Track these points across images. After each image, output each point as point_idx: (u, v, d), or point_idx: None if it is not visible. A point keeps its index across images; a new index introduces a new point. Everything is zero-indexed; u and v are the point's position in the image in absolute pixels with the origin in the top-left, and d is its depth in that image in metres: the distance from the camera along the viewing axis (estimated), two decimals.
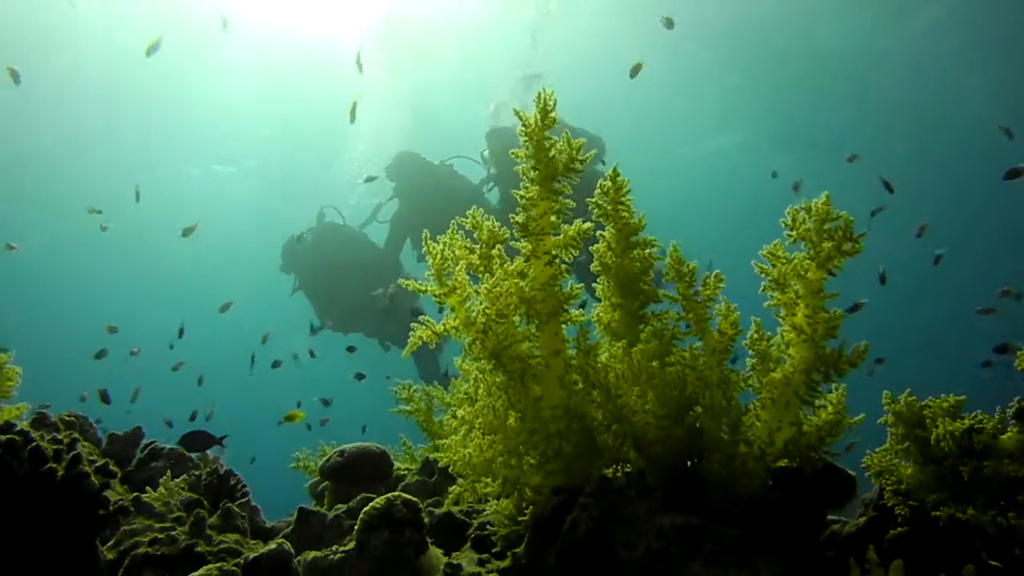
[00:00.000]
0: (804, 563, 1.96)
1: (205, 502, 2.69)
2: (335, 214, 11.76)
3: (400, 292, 10.84)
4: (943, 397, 2.18)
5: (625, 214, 2.36)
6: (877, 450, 2.22)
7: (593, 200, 2.36)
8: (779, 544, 1.95)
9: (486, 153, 10.32)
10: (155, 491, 2.65)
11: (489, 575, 1.96)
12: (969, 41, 19.76)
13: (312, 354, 10.83)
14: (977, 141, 20.45)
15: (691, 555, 1.87)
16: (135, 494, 2.57)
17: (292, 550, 2.24)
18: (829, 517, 2.26)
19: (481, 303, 2.25)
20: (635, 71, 8.57)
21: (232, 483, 2.84)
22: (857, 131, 22.99)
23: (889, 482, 2.16)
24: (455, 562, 1.97)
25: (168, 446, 3.21)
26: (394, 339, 11.50)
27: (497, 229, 2.38)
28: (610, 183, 2.33)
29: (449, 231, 2.34)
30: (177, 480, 2.77)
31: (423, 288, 2.28)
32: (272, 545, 2.21)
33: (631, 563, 1.91)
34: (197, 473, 2.91)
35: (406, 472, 3.53)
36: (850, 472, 2.16)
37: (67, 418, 2.91)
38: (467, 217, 2.36)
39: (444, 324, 2.28)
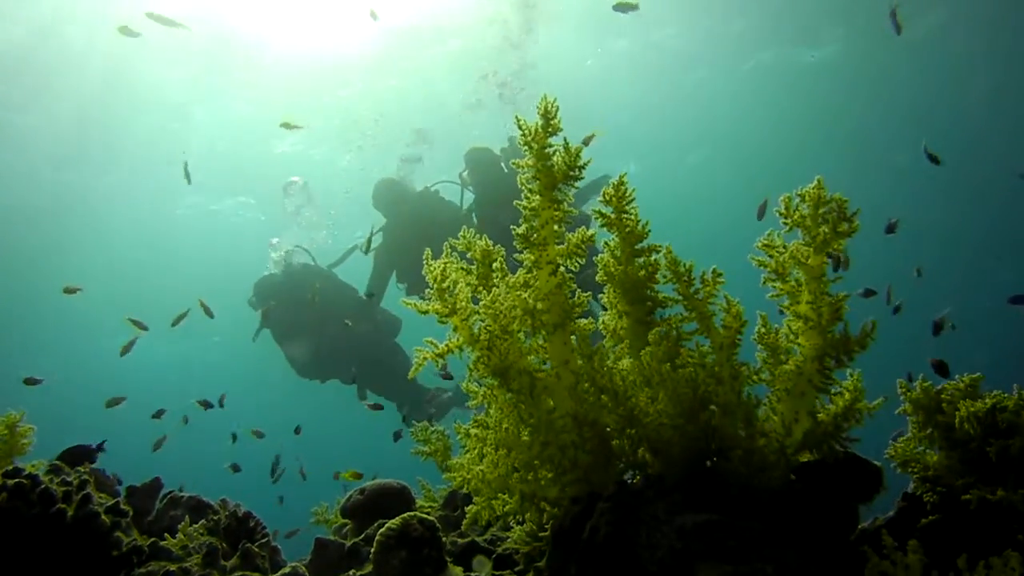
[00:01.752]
0: (830, 555, 1.90)
1: (224, 544, 2.66)
2: (304, 254, 11.12)
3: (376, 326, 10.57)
4: (959, 378, 2.14)
5: (630, 222, 2.34)
6: (899, 440, 2.17)
7: (596, 209, 2.35)
8: (804, 537, 1.91)
9: (465, 174, 9.68)
10: (174, 538, 2.63)
11: None
12: (974, 45, 19.83)
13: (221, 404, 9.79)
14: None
15: (714, 552, 1.82)
16: (152, 539, 2.54)
17: (307, 573, 2.20)
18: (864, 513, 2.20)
19: (483, 320, 2.22)
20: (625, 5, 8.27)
21: (251, 525, 2.81)
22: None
23: (915, 470, 2.11)
24: (474, 574, 1.93)
25: (187, 494, 3.18)
26: (372, 381, 10.84)
27: (491, 247, 2.37)
28: (613, 191, 2.31)
29: (444, 253, 2.33)
30: (196, 526, 2.74)
31: (425, 308, 2.26)
32: (286, 570, 2.18)
33: (653, 564, 1.86)
34: (216, 518, 2.88)
35: (430, 509, 3.49)
36: (876, 463, 2.10)
37: (83, 471, 2.89)
38: (458, 239, 2.36)
39: (448, 344, 2.25)
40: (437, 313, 2.25)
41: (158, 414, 7.17)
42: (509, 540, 2.52)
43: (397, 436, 7.46)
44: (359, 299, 10.47)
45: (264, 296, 10.46)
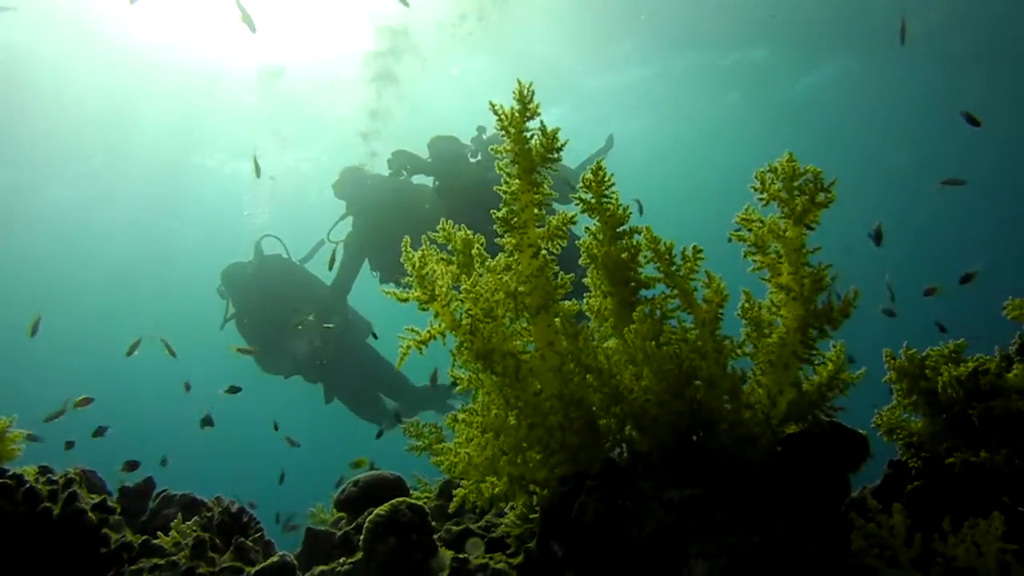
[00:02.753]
0: (819, 524, 1.91)
1: (217, 540, 2.65)
2: (275, 245, 10.52)
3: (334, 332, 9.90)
4: (943, 344, 2.15)
5: (610, 206, 2.33)
6: (885, 408, 2.18)
7: (576, 195, 2.35)
8: (792, 508, 1.91)
9: (429, 160, 9.11)
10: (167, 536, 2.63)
11: (497, 564, 1.91)
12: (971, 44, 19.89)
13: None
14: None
15: (703, 526, 1.83)
16: (145, 537, 2.54)
17: (295, 561, 2.20)
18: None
19: (464, 304, 2.22)
20: None
21: (245, 520, 2.81)
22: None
23: (900, 437, 2.12)
24: (462, 556, 1.93)
25: (179, 493, 3.18)
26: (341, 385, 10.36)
27: (471, 236, 2.37)
28: (592, 176, 2.31)
29: (423, 245, 2.32)
30: (189, 523, 2.74)
31: (405, 296, 2.25)
32: (275, 559, 2.18)
33: (641, 540, 1.87)
34: (209, 514, 2.87)
35: (425, 499, 3.48)
36: (861, 432, 2.11)
37: (72, 473, 2.88)
38: (437, 232, 2.36)
39: (430, 330, 2.25)
40: (418, 300, 2.24)
41: (206, 421, 7.04)
42: (502, 525, 2.52)
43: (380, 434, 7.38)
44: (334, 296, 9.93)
45: (233, 286, 10.05)
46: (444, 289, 2.25)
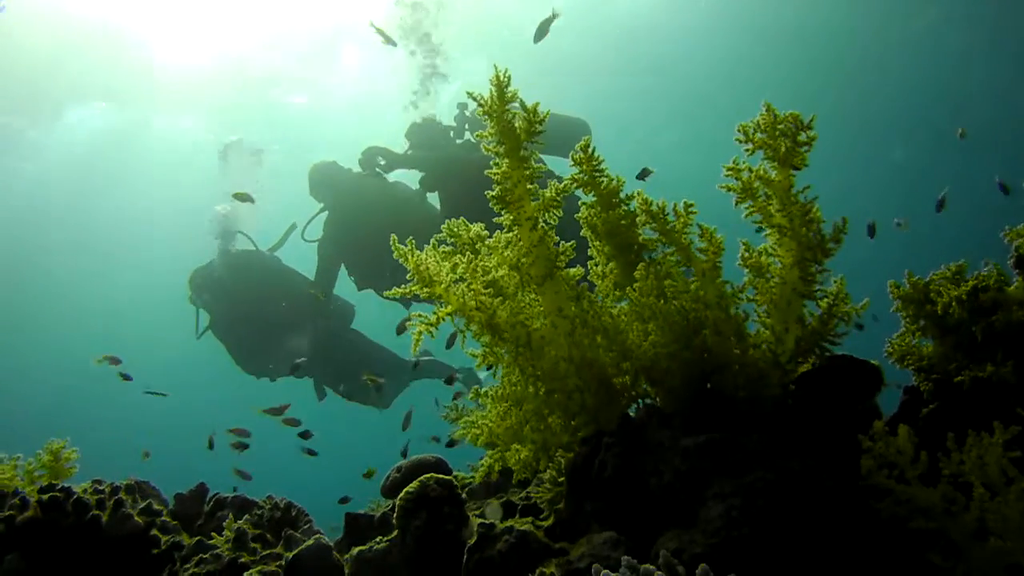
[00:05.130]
0: (836, 455, 1.94)
1: (268, 535, 2.75)
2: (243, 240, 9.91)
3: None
4: (944, 267, 2.16)
5: (603, 179, 2.37)
6: (895, 335, 2.20)
7: (572, 176, 2.38)
8: (809, 442, 1.94)
9: (410, 151, 8.51)
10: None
11: (522, 526, 1.97)
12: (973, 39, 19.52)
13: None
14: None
15: (719, 469, 1.86)
16: (198, 538, 2.64)
17: (330, 543, 2.28)
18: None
19: (466, 282, 2.28)
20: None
21: (293, 514, 2.90)
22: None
23: (911, 363, 2.14)
24: (488, 522, 1.99)
25: (231, 495, 3.29)
26: (336, 378, 9.80)
27: (481, 230, 2.43)
28: (582, 154, 2.35)
29: (428, 247, 2.37)
30: (240, 521, 2.84)
31: (404, 290, 2.31)
32: (310, 541, 2.26)
33: (661, 489, 1.91)
34: (259, 512, 2.98)
35: (470, 480, 3.55)
36: (874, 362, 2.13)
37: (127, 483, 3.01)
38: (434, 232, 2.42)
39: (437, 313, 2.30)
40: (419, 291, 2.30)
41: (241, 439, 7.03)
42: (527, 490, 2.59)
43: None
44: (308, 286, 9.38)
45: (204, 290, 9.41)
46: (445, 276, 2.30)
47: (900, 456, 1.73)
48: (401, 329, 7.44)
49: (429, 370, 9.84)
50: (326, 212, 8.98)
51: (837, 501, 1.79)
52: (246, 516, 2.94)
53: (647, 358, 2.13)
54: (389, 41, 8.04)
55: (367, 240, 7.74)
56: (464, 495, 3.16)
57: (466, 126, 8.26)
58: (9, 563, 2.14)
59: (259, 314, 9.18)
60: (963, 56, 20.21)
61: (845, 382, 2.08)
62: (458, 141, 8.36)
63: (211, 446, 7.33)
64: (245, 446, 7.06)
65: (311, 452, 7.23)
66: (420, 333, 2.31)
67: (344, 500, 6.79)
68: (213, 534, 2.78)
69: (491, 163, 2.29)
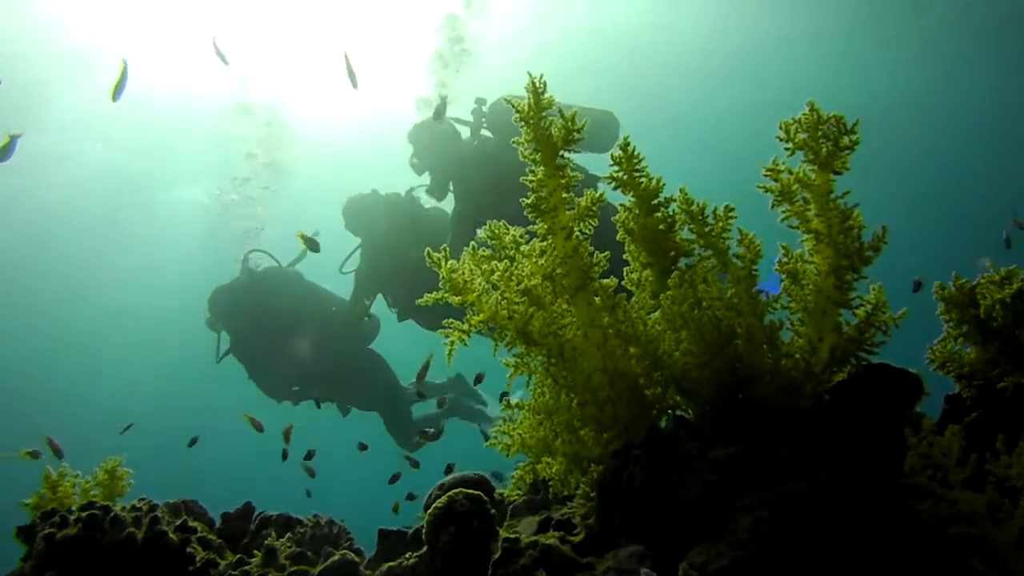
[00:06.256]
0: (869, 467, 1.87)
1: (309, 553, 2.76)
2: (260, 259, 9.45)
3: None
4: (993, 271, 2.08)
5: (643, 180, 2.34)
6: (936, 341, 2.12)
7: (609, 175, 2.36)
8: (842, 453, 1.88)
9: (414, 160, 8.03)
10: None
11: (547, 540, 1.93)
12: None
13: None
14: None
15: (749, 480, 1.82)
16: (238, 556, 2.66)
17: (356, 560, 2.27)
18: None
19: (499, 290, 2.26)
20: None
21: (335, 532, 2.91)
22: None
23: (953, 369, 2.06)
24: (513, 536, 1.96)
25: (276, 513, 3.31)
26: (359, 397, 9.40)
27: (519, 235, 2.41)
28: (622, 153, 2.32)
29: (468, 250, 2.36)
30: (282, 539, 2.85)
31: (435, 297, 2.30)
32: (336, 557, 2.26)
33: (689, 501, 1.86)
34: (301, 530, 2.99)
35: (515, 497, 3.52)
36: (913, 370, 2.06)
37: (174, 503, 3.05)
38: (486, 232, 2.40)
39: (469, 321, 2.29)
40: (452, 298, 2.29)
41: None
42: (567, 507, 2.55)
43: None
44: (335, 302, 9.15)
45: (224, 312, 8.94)
46: (478, 283, 2.29)
47: (945, 458, 1.67)
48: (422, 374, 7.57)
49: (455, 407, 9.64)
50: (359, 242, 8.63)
51: (870, 513, 1.72)
52: (288, 534, 2.95)
53: (678, 368, 2.09)
54: (353, 81, 7.56)
55: (403, 274, 7.67)
56: (508, 512, 3.13)
57: (483, 121, 7.77)
58: None
59: (280, 334, 8.85)
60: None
61: (882, 391, 2.01)
62: (474, 143, 7.81)
63: (284, 457, 7.22)
64: (311, 466, 7.11)
65: (310, 472, 7.14)
66: (453, 343, 2.30)
67: (411, 497, 6.70)
68: (255, 552, 2.80)
69: (527, 170, 2.28)
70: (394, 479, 7.05)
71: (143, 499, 2.91)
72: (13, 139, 6.35)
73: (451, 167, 7.65)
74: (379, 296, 8.76)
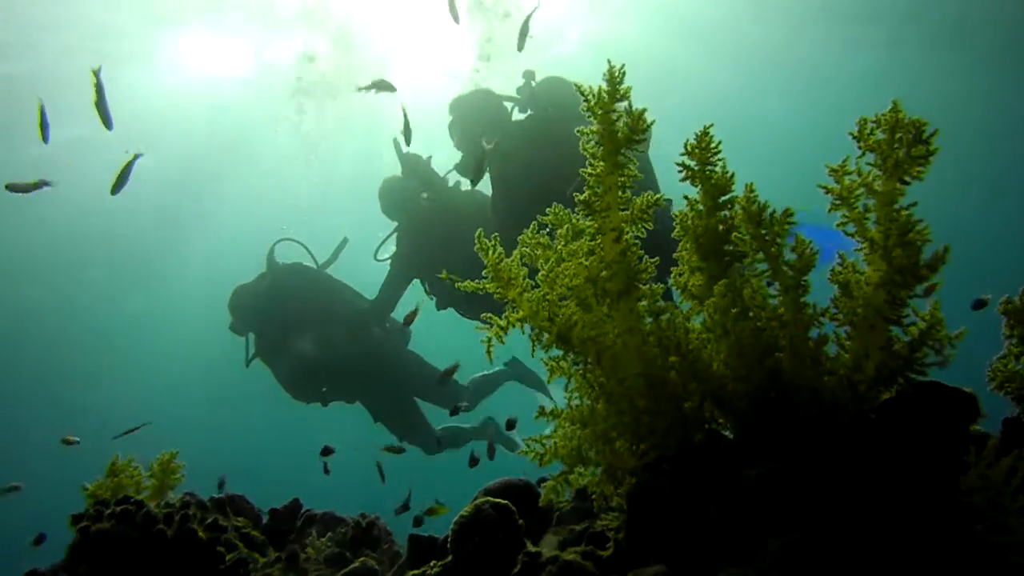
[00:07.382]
0: (915, 491, 1.76)
1: (347, 554, 2.75)
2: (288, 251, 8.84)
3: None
4: None
5: (714, 174, 2.23)
6: (996, 358, 1.98)
7: (679, 162, 2.25)
8: (885, 476, 1.77)
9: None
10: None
11: (568, 556, 1.87)
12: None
13: None
14: None
15: (780, 501, 1.73)
16: (278, 554, 2.66)
17: (377, 568, 2.24)
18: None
19: (541, 290, 2.20)
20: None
21: (375, 533, 2.89)
22: None
23: (1012, 389, 1.92)
24: (534, 550, 1.90)
25: (322, 512, 3.32)
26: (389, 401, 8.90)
27: (578, 223, 2.33)
28: (697, 142, 2.22)
29: (529, 231, 2.30)
30: (323, 539, 2.85)
31: (480, 287, 2.25)
32: (356, 564, 2.23)
33: (719, 520, 1.78)
34: (343, 530, 2.98)
35: (564, 504, 3.46)
36: (967, 389, 1.92)
37: (219, 498, 3.07)
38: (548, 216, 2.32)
39: (507, 318, 2.23)
40: (494, 290, 2.23)
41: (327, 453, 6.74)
42: (607, 517, 2.48)
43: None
44: (360, 303, 8.63)
45: (246, 313, 8.44)
46: (521, 279, 2.23)
47: (1005, 485, 1.55)
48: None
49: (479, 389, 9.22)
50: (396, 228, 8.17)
51: (910, 543, 1.62)
52: (329, 534, 2.95)
53: (715, 379, 1.99)
54: (455, 15, 6.93)
55: (441, 259, 6.58)
56: (554, 519, 3.07)
57: (526, 107, 6.90)
58: (81, 573, 2.21)
59: (305, 336, 8.35)
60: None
61: (933, 411, 1.88)
62: (521, 115, 6.94)
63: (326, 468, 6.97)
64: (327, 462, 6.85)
65: (326, 470, 6.91)
66: (491, 338, 2.24)
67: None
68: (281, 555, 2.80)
69: (587, 162, 2.20)
70: (473, 463, 6.83)
71: (188, 493, 2.94)
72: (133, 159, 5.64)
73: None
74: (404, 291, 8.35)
